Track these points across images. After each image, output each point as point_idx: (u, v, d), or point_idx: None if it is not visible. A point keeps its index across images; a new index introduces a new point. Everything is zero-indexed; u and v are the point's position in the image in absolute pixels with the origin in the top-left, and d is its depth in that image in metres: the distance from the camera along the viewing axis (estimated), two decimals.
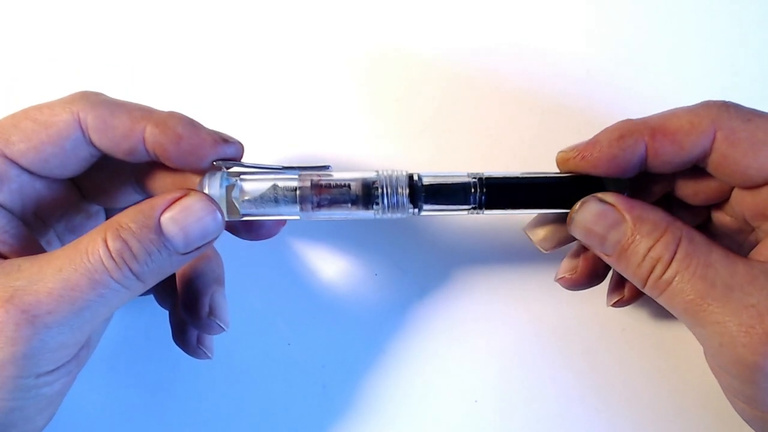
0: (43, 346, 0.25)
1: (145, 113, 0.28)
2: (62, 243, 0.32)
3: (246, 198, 0.29)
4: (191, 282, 0.32)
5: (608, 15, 0.39)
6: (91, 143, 0.28)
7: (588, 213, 0.28)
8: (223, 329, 0.32)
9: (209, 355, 0.33)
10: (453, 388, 0.37)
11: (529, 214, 0.32)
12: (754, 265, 0.26)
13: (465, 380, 0.37)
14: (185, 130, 0.28)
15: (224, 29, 0.39)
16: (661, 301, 0.27)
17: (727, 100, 0.27)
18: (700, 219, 0.32)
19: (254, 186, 0.29)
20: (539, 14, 0.39)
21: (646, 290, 0.27)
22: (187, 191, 0.27)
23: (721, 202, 0.30)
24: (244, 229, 0.31)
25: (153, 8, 0.39)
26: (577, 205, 0.28)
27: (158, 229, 0.26)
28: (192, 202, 0.27)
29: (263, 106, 0.39)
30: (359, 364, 0.38)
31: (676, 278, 0.26)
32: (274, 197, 0.29)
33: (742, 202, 0.29)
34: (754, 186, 0.27)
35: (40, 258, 0.26)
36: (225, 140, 0.29)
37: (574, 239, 0.31)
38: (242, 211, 0.29)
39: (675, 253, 0.26)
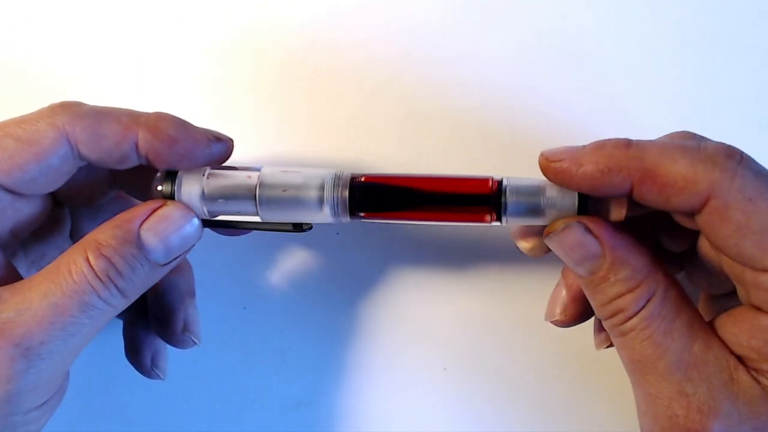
0: (37, 379, 0.25)
1: (134, 118, 0.27)
2: (26, 254, 0.31)
3: (216, 197, 0.28)
4: (164, 296, 0.31)
5: None
6: (79, 156, 0.27)
7: (568, 239, 0.26)
8: (196, 344, 0.32)
9: (162, 376, 0.33)
10: (421, 355, 0.36)
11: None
12: (711, 345, 0.24)
13: (433, 347, 0.36)
14: (178, 132, 0.28)
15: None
16: (613, 342, 0.27)
17: (743, 155, 0.24)
18: (686, 242, 0.30)
19: (224, 183, 0.28)
20: None
21: (603, 324, 0.27)
22: (164, 201, 0.27)
23: None
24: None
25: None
26: (559, 226, 0.26)
27: (139, 242, 0.26)
28: (170, 212, 0.27)
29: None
30: (321, 331, 0.36)
31: (631, 334, 0.25)
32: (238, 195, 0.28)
33: (722, 255, 0.27)
34: (732, 260, 0.25)
35: (22, 285, 0.25)
36: (218, 138, 0.29)
37: None
38: (209, 209, 0.28)
39: (641, 310, 0.25)
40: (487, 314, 0.36)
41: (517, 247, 0.30)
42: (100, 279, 0.25)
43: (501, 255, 0.36)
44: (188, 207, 0.28)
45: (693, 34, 0.36)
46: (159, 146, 0.27)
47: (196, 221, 0.28)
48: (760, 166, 0.24)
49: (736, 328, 0.25)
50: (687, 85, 0.36)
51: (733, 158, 0.24)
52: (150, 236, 0.26)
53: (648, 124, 0.35)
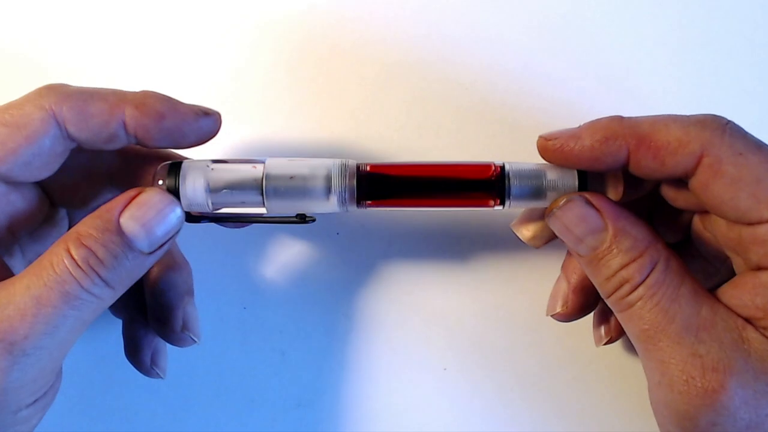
0: (23, 376, 0.25)
1: (121, 96, 0.27)
2: (24, 254, 0.31)
3: (221, 188, 0.28)
4: (163, 294, 0.31)
5: None
6: (69, 137, 0.27)
7: (570, 213, 0.27)
8: (196, 342, 0.32)
9: (162, 375, 0.33)
10: (421, 355, 0.36)
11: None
12: (717, 310, 0.25)
13: (433, 347, 0.36)
14: (165, 107, 0.27)
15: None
16: (619, 318, 0.27)
17: (729, 120, 0.26)
18: (681, 231, 0.30)
19: (229, 174, 0.28)
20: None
21: (608, 302, 0.27)
22: (142, 188, 0.27)
23: (704, 211, 0.29)
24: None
25: None
26: (561, 201, 0.27)
27: (119, 230, 0.26)
28: (149, 198, 0.27)
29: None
30: (321, 331, 0.36)
31: (638, 303, 0.25)
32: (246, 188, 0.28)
33: (717, 226, 0.27)
34: (728, 220, 0.26)
35: (7, 282, 0.25)
36: (205, 113, 0.28)
37: None
38: (214, 201, 0.28)
39: (646, 278, 0.25)
40: (487, 315, 0.36)
41: (518, 238, 0.30)
42: (81, 268, 0.25)
43: (501, 256, 0.36)
44: (167, 192, 0.27)
45: (698, 31, 0.36)
46: (147, 122, 0.27)
47: (178, 208, 0.27)
48: (745, 130, 0.25)
49: (737, 291, 0.25)
50: (689, 81, 0.36)
51: (721, 121, 0.25)
52: (130, 223, 0.26)
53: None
